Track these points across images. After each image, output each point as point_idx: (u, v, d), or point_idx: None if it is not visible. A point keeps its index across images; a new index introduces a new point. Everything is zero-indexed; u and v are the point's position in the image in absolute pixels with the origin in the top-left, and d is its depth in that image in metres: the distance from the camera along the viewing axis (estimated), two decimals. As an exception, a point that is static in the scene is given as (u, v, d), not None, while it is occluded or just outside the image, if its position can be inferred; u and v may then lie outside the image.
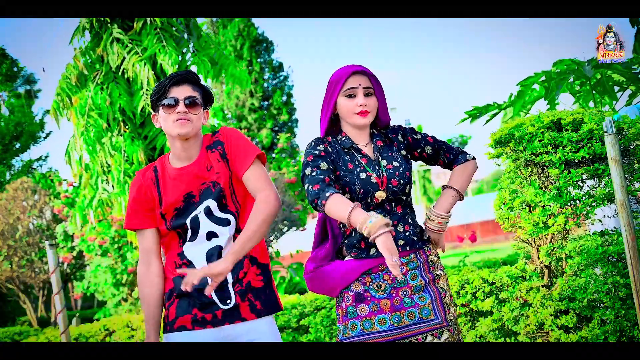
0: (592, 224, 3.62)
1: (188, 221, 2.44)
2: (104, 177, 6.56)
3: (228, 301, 2.41)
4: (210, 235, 2.45)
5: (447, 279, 2.47)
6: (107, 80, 6.29)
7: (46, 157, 20.07)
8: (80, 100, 6.36)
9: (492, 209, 3.61)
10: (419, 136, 2.54)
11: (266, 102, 23.60)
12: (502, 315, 3.46)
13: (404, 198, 2.43)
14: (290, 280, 9.44)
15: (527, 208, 3.48)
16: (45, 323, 11.69)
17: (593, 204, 3.40)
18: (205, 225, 2.44)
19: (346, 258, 2.42)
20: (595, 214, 3.50)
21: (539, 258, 3.51)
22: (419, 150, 2.53)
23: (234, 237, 2.46)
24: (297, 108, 26.88)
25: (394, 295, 2.34)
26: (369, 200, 2.37)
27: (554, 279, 3.48)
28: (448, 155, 2.54)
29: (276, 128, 23.29)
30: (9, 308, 14.02)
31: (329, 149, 2.43)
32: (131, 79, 6.32)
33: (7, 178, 17.97)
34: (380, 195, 2.37)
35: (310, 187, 2.29)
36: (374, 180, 2.37)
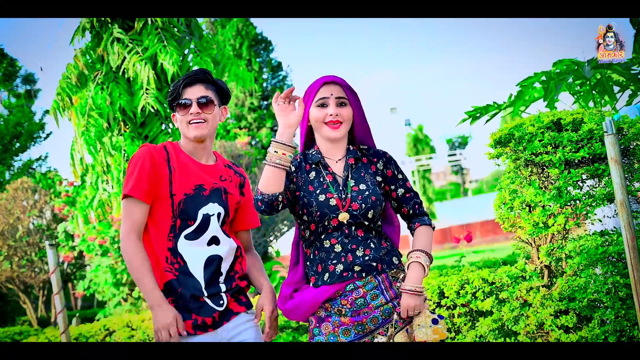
0: (592, 224, 3.62)
1: (200, 217, 2.41)
2: (104, 177, 6.56)
3: (221, 302, 2.45)
4: (212, 241, 2.45)
5: None
6: (108, 80, 6.28)
7: (46, 157, 20.06)
8: (81, 100, 6.35)
9: (492, 209, 3.61)
10: (399, 175, 2.47)
11: (265, 102, 23.62)
12: (502, 315, 3.46)
13: (366, 223, 2.37)
14: (290, 280, 9.43)
15: (527, 208, 3.48)
16: (45, 323, 11.68)
17: (593, 204, 3.40)
18: (214, 229, 2.44)
19: (310, 284, 2.43)
20: (595, 214, 3.50)
21: (539, 258, 3.51)
22: (392, 187, 2.46)
23: (234, 252, 2.52)
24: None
25: (355, 316, 2.36)
26: (326, 223, 2.34)
27: (554, 279, 3.48)
28: (417, 207, 2.47)
29: (276, 127, 23.30)
30: (9, 308, 14.00)
31: (292, 167, 2.39)
32: (131, 79, 6.32)
33: (7, 178, 17.96)
34: (344, 217, 2.33)
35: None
36: (333, 202, 2.34)
